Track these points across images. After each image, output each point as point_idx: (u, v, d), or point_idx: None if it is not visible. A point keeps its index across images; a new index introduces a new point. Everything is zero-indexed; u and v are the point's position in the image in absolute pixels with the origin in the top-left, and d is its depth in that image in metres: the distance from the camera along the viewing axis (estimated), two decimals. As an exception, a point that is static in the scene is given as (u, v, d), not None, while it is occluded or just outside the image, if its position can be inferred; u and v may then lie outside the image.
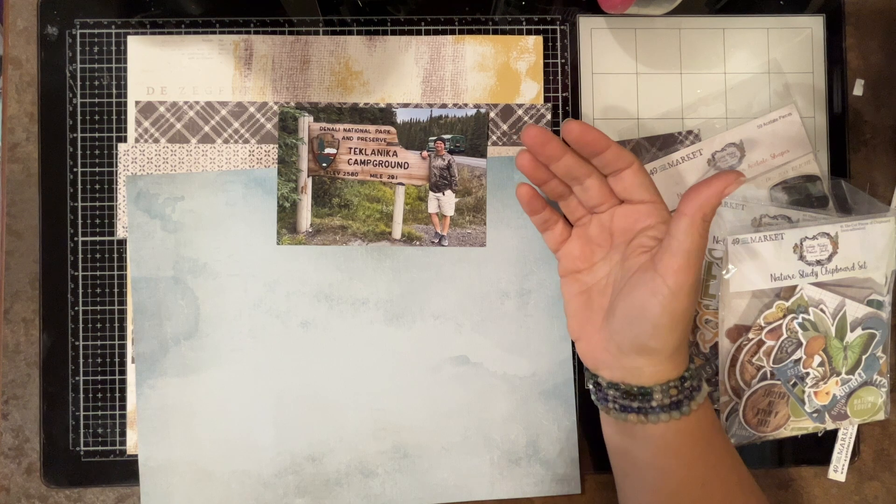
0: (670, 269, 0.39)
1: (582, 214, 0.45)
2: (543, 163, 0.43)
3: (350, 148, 0.48)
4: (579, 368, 0.48)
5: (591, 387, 0.44)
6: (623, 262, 0.43)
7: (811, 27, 0.50)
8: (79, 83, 0.49)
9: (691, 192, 0.39)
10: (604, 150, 0.41)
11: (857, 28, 0.51)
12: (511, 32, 0.50)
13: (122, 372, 0.48)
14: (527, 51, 0.49)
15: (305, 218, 0.48)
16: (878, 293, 0.47)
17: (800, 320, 0.46)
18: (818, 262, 0.46)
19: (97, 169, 0.48)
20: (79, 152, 0.48)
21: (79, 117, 0.48)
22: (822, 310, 0.46)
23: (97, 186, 0.48)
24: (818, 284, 0.46)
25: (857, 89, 0.51)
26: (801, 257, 0.46)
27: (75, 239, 0.48)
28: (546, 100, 0.49)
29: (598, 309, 0.43)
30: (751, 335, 0.46)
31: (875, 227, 0.46)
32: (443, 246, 0.49)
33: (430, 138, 0.49)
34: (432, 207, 0.49)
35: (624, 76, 0.50)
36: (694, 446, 0.41)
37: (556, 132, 0.49)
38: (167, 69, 0.49)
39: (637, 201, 0.42)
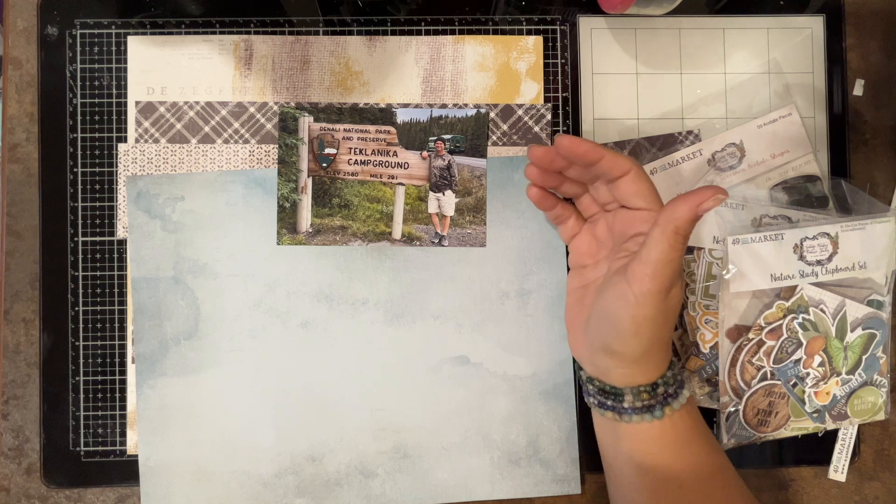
0: (636, 276, 0.39)
1: (594, 212, 0.45)
2: (556, 171, 0.44)
3: (350, 148, 0.48)
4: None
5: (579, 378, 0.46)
6: (613, 263, 0.43)
7: (811, 27, 0.50)
8: (79, 83, 0.49)
9: (669, 203, 0.39)
10: (597, 160, 0.41)
11: (857, 28, 0.51)
12: (511, 32, 0.50)
13: (122, 372, 0.48)
14: (527, 51, 0.49)
15: (305, 218, 0.48)
16: (878, 293, 0.47)
17: (800, 320, 0.46)
18: (818, 263, 0.46)
19: (97, 169, 0.48)
20: (79, 152, 0.48)
21: (79, 117, 0.48)
22: (822, 310, 0.46)
23: (97, 186, 0.48)
24: (818, 284, 0.46)
25: (857, 89, 0.51)
26: (802, 257, 0.46)
27: (75, 239, 0.48)
28: (546, 100, 0.49)
29: (587, 305, 0.44)
30: (751, 335, 0.46)
31: (875, 227, 0.46)
32: (443, 246, 0.49)
33: (430, 138, 0.49)
34: (432, 207, 0.49)
35: (624, 76, 0.50)
36: (669, 448, 0.41)
37: (556, 132, 0.49)
38: (167, 69, 0.49)
39: (634, 208, 0.42)
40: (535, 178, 0.44)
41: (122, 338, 0.48)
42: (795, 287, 0.46)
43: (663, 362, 0.42)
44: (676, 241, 0.39)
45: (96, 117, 0.49)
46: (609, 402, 0.42)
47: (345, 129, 0.48)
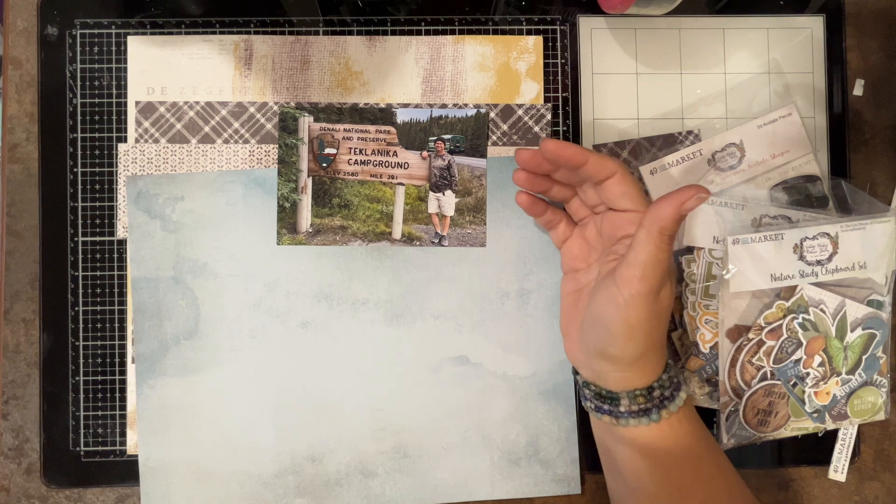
0: (625, 279, 0.39)
1: (584, 216, 0.46)
2: (544, 174, 0.44)
3: (350, 148, 0.48)
4: (579, 368, 0.48)
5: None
6: (603, 267, 0.43)
7: (811, 27, 0.50)
8: (79, 83, 0.49)
9: (653, 204, 0.39)
10: (583, 163, 0.41)
11: (857, 28, 0.51)
12: (511, 32, 0.50)
13: (122, 372, 0.48)
14: (527, 51, 0.49)
15: (305, 218, 0.48)
16: (878, 293, 0.47)
17: (800, 320, 0.46)
18: (818, 263, 0.46)
19: (97, 169, 0.48)
20: (79, 152, 0.48)
21: (79, 117, 0.48)
22: (822, 310, 0.46)
23: (97, 186, 0.48)
24: (818, 284, 0.46)
25: (857, 89, 0.51)
26: (802, 257, 0.46)
27: (75, 239, 0.48)
28: (546, 100, 0.49)
29: (581, 309, 0.44)
30: (751, 335, 0.46)
31: (875, 227, 0.46)
32: (443, 246, 0.49)
33: (430, 138, 0.49)
34: (432, 207, 0.49)
35: (624, 76, 0.50)
36: (668, 451, 0.41)
37: (556, 133, 0.49)
38: (167, 69, 0.49)
39: (621, 210, 0.42)
40: (523, 182, 0.44)
41: (122, 338, 0.48)
42: (795, 287, 0.46)
43: (659, 365, 0.42)
44: (662, 242, 0.39)
45: (96, 117, 0.49)
46: (606, 407, 0.42)
47: (345, 129, 0.49)
